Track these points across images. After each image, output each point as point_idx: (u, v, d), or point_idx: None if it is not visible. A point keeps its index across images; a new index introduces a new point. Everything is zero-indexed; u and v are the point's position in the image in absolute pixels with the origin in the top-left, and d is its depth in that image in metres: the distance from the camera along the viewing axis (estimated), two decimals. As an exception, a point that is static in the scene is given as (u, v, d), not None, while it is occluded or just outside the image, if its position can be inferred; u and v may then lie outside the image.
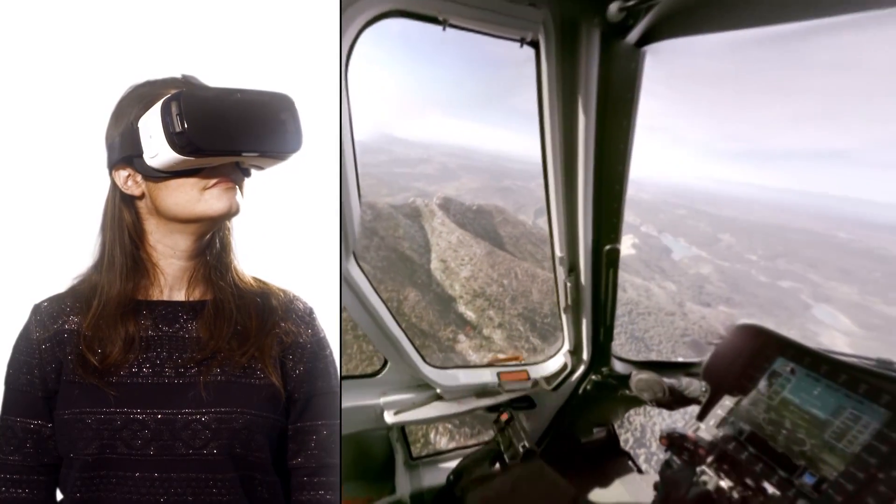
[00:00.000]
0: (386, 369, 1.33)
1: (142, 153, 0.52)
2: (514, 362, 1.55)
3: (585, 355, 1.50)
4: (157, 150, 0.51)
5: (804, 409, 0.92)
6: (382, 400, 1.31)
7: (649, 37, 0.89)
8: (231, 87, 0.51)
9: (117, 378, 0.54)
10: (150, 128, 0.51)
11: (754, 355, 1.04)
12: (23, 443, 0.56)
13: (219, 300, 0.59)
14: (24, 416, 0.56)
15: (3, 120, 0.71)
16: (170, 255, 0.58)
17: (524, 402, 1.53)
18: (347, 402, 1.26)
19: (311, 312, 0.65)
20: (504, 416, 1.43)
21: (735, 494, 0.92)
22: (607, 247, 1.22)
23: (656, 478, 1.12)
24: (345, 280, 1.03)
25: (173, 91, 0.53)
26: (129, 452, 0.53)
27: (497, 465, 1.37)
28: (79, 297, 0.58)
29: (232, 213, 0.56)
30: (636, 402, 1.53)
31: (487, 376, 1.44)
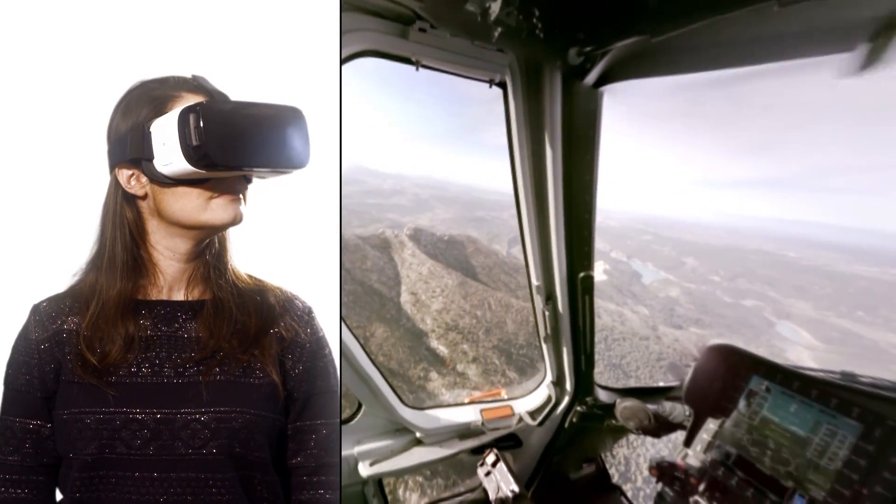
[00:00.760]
0: (360, 413, 1.27)
1: (152, 158, 0.53)
2: (495, 398, 1.54)
3: (569, 385, 1.51)
4: (171, 159, 0.52)
5: (784, 427, 0.94)
6: (357, 450, 1.24)
7: (606, 78, 1.01)
8: (245, 101, 0.53)
9: (116, 378, 0.55)
10: (165, 135, 0.52)
11: (730, 375, 1.08)
12: (22, 443, 0.57)
13: (218, 299, 0.60)
14: (24, 416, 0.57)
15: (2, 120, 0.72)
16: (169, 256, 0.59)
17: (510, 441, 1.50)
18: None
19: (309, 312, 0.66)
20: (490, 458, 1.39)
21: None
22: (581, 274, 1.28)
23: None
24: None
25: (185, 93, 0.55)
26: (129, 452, 0.54)
27: (486, 516, 1.31)
28: (78, 297, 0.59)
29: (236, 222, 0.58)
30: (623, 431, 1.55)
31: (470, 414, 1.42)
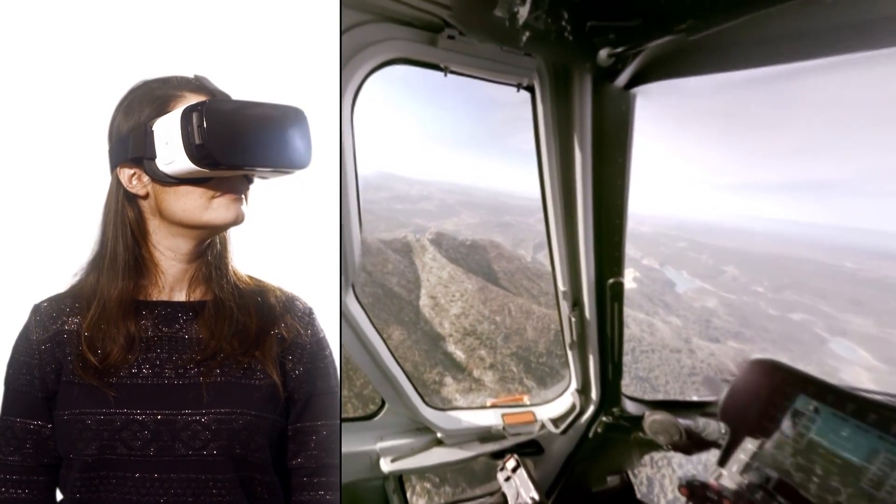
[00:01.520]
0: (383, 411, 1.32)
1: (154, 157, 0.54)
2: (517, 403, 1.55)
3: (594, 395, 1.50)
4: (173, 158, 0.53)
5: (834, 452, 0.88)
6: (379, 446, 1.29)
7: (638, 80, 1.01)
8: (247, 101, 0.55)
9: (117, 379, 0.56)
10: (168, 135, 0.53)
11: (773, 393, 1.03)
12: (23, 443, 0.58)
13: (219, 300, 0.61)
14: (24, 416, 0.58)
15: (2, 119, 0.73)
16: (171, 256, 0.60)
17: (531, 448, 1.51)
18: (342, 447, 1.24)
19: (310, 312, 0.67)
20: (510, 463, 1.41)
21: None
22: (611, 280, 1.28)
23: None
24: (343, 315, 1.07)
25: (187, 93, 0.56)
26: (129, 453, 0.55)
27: (504, 521, 1.33)
28: (79, 297, 0.60)
29: (238, 222, 0.59)
30: (651, 446, 1.51)
31: (491, 418, 1.43)
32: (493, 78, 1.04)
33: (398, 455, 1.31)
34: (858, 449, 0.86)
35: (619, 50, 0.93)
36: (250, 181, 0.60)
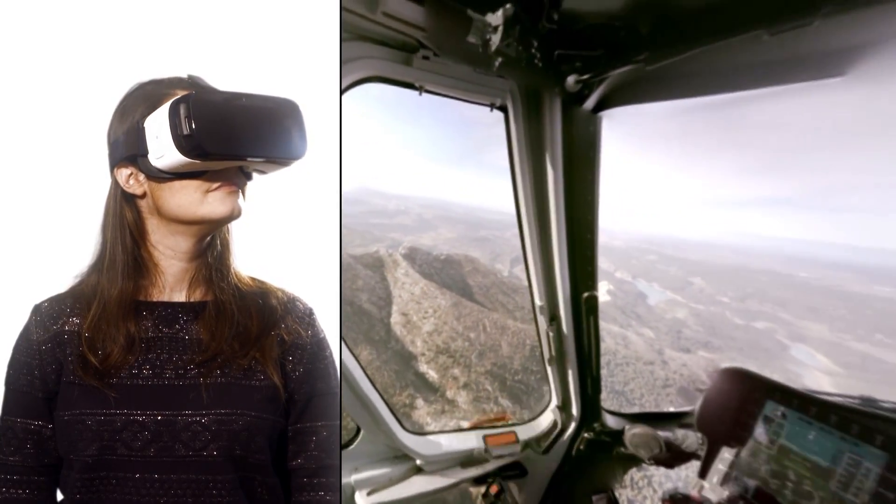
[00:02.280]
0: (358, 439, 1.29)
1: (146, 153, 0.56)
2: (500, 422, 1.56)
3: (575, 410, 1.53)
4: (164, 151, 0.54)
5: (804, 456, 0.93)
6: (354, 478, 1.25)
7: (604, 104, 1.10)
8: (238, 92, 0.55)
9: (117, 379, 0.57)
10: (157, 128, 0.54)
11: (744, 401, 1.07)
12: (23, 443, 0.58)
13: (220, 301, 0.62)
14: (25, 416, 0.59)
15: (3, 119, 0.74)
16: (170, 255, 0.61)
17: (514, 470, 1.51)
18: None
19: (311, 313, 0.68)
20: (493, 489, 1.40)
21: None
22: (585, 294, 1.34)
23: None
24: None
25: (180, 91, 0.57)
26: (129, 454, 0.56)
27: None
28: (79, 297, 0.61)
29: (234, 216, 0.59)
30: (633, 461, 1.55)
31: (472, 441, 1.42)
32: (466, 98, 1.10)
33: (375, 487, 1.27)
34: (824, 451, 0.91)
35: (585, 77, 1.01)
36: (248, 176, 0.61)
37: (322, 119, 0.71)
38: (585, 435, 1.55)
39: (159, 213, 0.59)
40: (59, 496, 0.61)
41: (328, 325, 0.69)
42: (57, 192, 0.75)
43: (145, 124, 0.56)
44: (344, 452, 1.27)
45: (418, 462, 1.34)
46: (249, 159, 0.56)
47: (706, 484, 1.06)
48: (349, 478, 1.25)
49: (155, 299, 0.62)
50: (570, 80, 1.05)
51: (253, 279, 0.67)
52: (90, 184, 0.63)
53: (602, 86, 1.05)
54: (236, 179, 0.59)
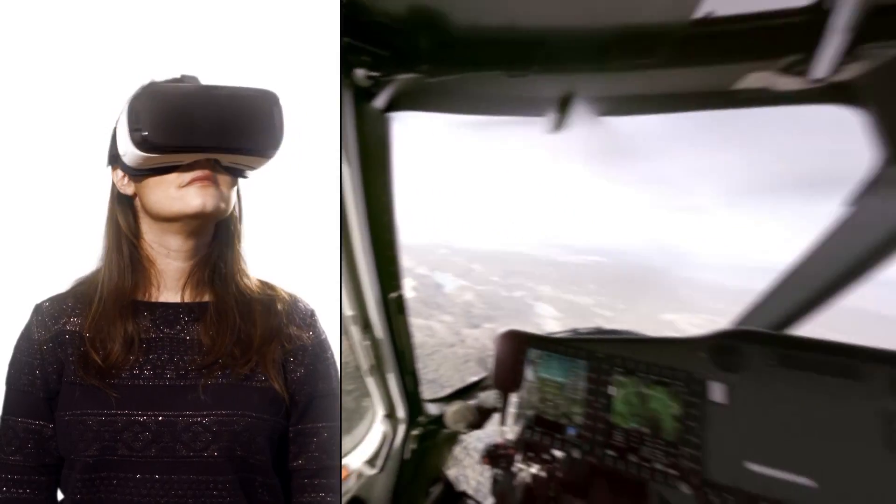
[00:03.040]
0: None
1: (118, 152, 0.58)
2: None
3: (401, 412, 1.54)
4: (126, 148, 0.56)
5: (553, 380, 1.25)
6: None
7: (392, 106, 1.11)
8: (210, 85, 0.56)
9: (118, 380, 0.58)
10: (121, 126, 0.56)
11: (516, 353, 1.33)
12: (24, 443, 0.59)
13: (221, 305, 0.62)
14: (26, 416, 0.60)
15: (4, 119, 0.76)
16: (164, 254, 0.62)
17: None
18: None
19: (312, 314, 0.68)
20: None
21: (543, 472, 1.16)
22: (392, 294, 1.34)
23: None
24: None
25: None
26: (130, 454, 0.57)
27: None
28: (80, 297, 0.62)
29: (207, 210, 0.58)
30: (456, 438, 1.69)
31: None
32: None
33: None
34: (561, 372, 1.25)
35: (375, 74, 0.98)
36: (232, 171, 0.60)
37: (322, 119, 0.74)
38: (414, 432, 1.58)
39: (145, 211, 0.60)
40: (60, 496, 0.61)
41: (328, 325, 0.70)
42: (57, 192, 0.75)
43: (117, 124, 0.58)
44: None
45: None
46: (211, 152, 0.56)
47: (506, 428, 1.29)
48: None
49: (153, 299, 0.62)
50: (360, 73, 1.00)
51: (261, 283, 0.67)
52: (90, 183, 0.64)
53: (389, 87, 1.06)
54: (209, 173, 0.58)
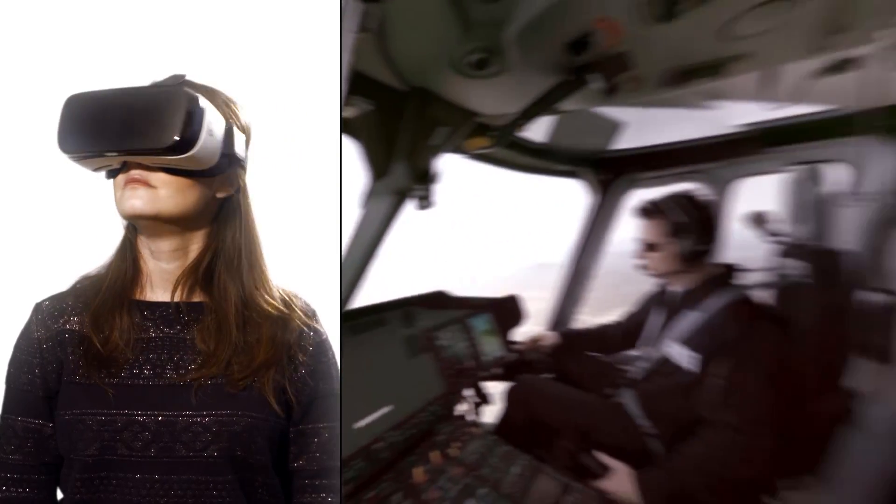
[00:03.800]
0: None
1: None
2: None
3: None
4: None
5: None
6: None
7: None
8: (125, 87, 0.56)
9: (118, 379, 0.58)
10: None
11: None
12: (24, 442, 0.60)
13: (220, 314, 0.61)
14: (25, 415, 0.60)
15: (4, 119, 0.76)
16: (149, 255, 0.63)
17: None
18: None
19: (313, 315, 0.69)
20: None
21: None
22: None
23: None
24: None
25: None
26: (130, 454, 0.57)
27: None
28: (80, 296, 0.62)
29: (137, 212, 0.58)
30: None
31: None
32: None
33: None
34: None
35: None
36: (171, 172, 0.58)
37: (322, 119, 0.74)
38: None
39: None
40: (60, 495, 0.62)
41: (328, 325, 0.70)
42: (57, 192, 0.75)
43: None
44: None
45: None
46: (107, 154, 0.56)
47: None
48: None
49: (151, 299, 0.63)
50: None
51: (282, 300, 0.66)
52: (91, 183, 0.63)
53: None
54: (138, 175, 0.58)
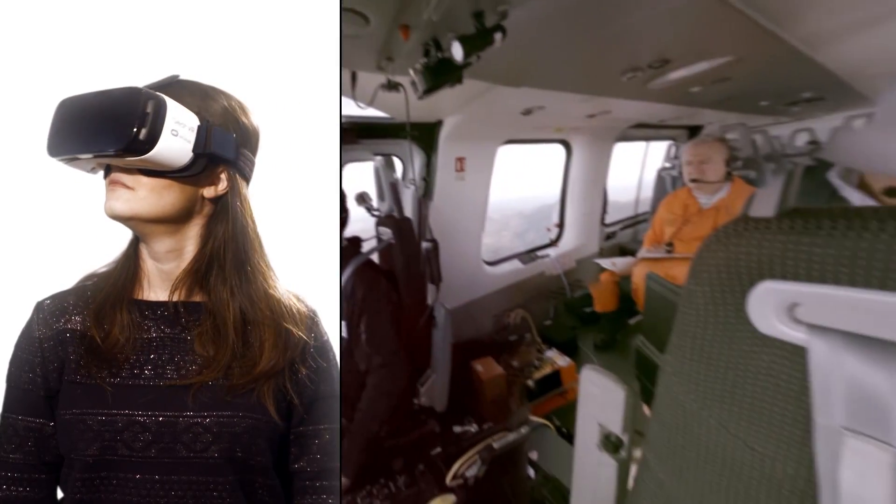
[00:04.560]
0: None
1: None
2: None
3: None
4: None
5: None
6: None
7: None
8: (98, 90, 0.56)
9: (119, 379, 0.58)
10: None
11: None
12: (24, 441, 0.60)
13: (220, 319, 0.61)
14: (26, 414, 0.60)
15: (4, 119, 0.77)
16: (148, 256, 0.63)
17: None
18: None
19: (314, 315, 0.68)
20: None
21: None
22: None
23: None
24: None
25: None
26: (130, 454, 0.57)
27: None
28: (81, 295, 0.62)
29: (116, 213, 0.58)
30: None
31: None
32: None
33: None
34: None
35: None
36: (147, 174, 0.58)
37: (322, 119, 0.74)
38: None
39: None
40: (60, 494, 0.62)
41: (329, 326, 0.70)
42: (58, 191, 0.75)
43: None
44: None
45: None
46: (80, 157, 0.57)
47: None
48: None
49: (148, 298, 0.63)
50: None
51: (291, 308, 0.64)
52: (91, 183, 0.63)
53: None
54: (115, 177, 0.58)
